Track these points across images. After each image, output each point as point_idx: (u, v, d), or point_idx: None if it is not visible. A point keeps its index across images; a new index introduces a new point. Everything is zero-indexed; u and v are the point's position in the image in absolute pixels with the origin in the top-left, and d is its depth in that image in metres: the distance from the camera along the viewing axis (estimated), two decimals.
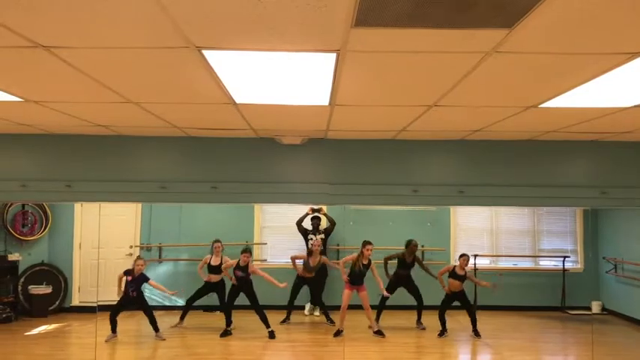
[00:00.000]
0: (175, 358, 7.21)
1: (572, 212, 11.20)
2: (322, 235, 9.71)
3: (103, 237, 10.39)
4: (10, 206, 9.66)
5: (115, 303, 8.09)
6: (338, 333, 8.11)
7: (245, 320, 8.51)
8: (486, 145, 5.95)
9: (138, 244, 10.50)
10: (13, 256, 9.55)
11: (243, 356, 7.13)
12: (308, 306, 9.85)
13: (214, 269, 8.65)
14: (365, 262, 8.06)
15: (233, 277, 8.36)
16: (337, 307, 8.33)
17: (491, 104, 4.08)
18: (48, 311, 9.71)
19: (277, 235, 10.51)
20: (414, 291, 8.76)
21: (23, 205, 9.84)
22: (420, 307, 8.84)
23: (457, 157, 6.03)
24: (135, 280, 8.00)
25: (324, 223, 9.94)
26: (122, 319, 8.07)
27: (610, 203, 5.97)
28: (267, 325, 8.06)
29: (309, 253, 8.93)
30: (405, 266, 8.86)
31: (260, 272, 8.19)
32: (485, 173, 5.96)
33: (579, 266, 11.03)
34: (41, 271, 10.02)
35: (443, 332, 8.21)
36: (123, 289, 8.01)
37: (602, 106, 4.14)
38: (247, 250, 8.41)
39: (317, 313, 9.71)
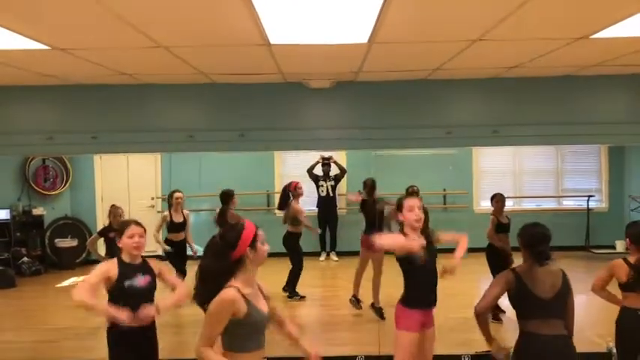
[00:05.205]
0: None
1: (596, 150, 10.95)
2: (332, 182, 10.17)
3: (124, 189, 10.38)
4: (31, 161, 9.63)
5: None
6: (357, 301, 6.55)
7: None
8: (521, 82, 5.69)
9: (159, 195, 10.49)
10: (38, 211, 9.63)
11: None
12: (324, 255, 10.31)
13: (177, 227, 7.06)
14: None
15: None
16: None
17: (540, 36, 3.85)
18: (75, 263, 9.84)
19: None
20: None
21: (44, 160, 9.80)
22: None
23: (490, 96, 5.80)
24: None
25: (335, 170, 10.23)
26: None
27: None
28: None
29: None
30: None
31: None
32: (520, 112, 5.74)
33: (604, 205, 10.93)
34: (65, 225, 10.12)
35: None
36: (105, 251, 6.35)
37: None
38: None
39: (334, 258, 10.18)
